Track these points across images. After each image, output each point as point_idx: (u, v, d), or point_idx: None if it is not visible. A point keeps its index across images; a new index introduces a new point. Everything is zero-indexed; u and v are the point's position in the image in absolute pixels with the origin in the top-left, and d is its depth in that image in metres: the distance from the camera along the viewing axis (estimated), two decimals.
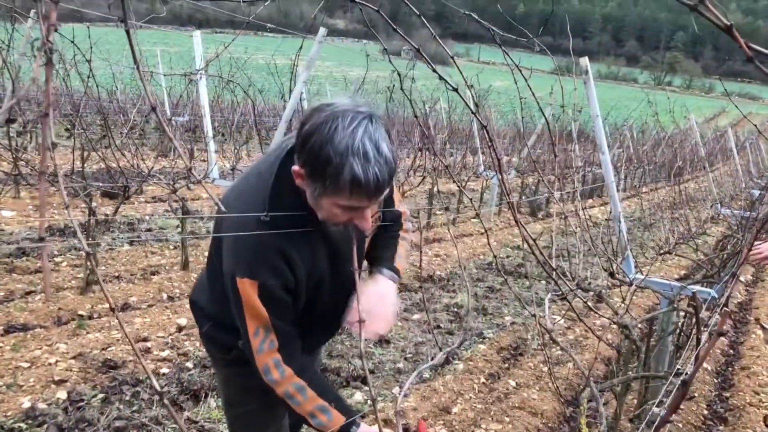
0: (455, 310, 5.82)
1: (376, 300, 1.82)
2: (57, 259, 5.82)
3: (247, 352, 1.70)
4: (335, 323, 1.98)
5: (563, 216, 3.48)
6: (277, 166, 1.64)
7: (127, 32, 0.74)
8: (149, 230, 7.40)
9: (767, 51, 0.81)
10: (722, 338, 5.65)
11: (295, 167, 1.52)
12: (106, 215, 6.55)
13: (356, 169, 1.41)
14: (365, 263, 2.02)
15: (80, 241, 0.63)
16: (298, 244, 1.65)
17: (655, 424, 1.40)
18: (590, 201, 14.28)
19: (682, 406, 4.19)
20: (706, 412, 4.36)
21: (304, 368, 1.73)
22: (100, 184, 6.26)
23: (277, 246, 1.61)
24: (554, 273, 2.41)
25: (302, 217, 1.63)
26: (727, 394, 4.69)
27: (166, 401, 0.81)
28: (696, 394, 4.50)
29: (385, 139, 1.47)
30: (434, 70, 1.90)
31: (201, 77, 5.66)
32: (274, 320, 1.65)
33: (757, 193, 8.15)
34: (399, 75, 1.96)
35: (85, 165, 6.29)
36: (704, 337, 2.29)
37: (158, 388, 0.77)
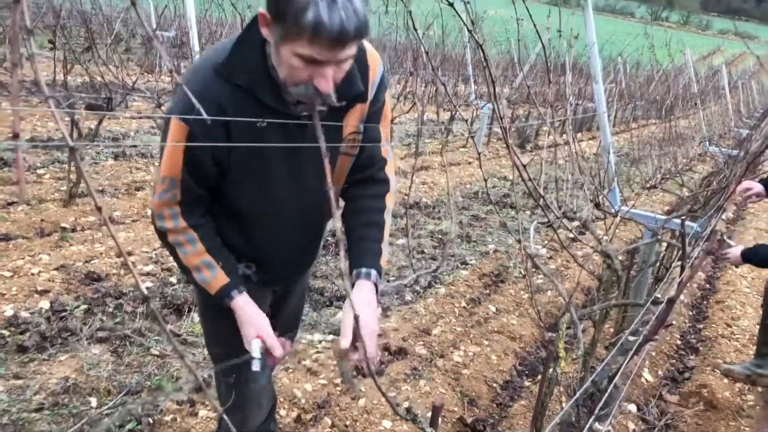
0: (439, 236, 5.85)
1: (370, 317, 1.62)
2: (39, 171, 5.74)
3: (154, 195, 1.66)
4: (299, 249, 1.90)
5: (553, 145, 3.46)
6: (248, 23, 1.54)
7: None
8: (134, 146, 7.30)
9: None
10: (700, 273, 5.75)
11: (261, 10, 1.41)
12: (90, 128, 6.44)
13: (320, 10, 1.30)
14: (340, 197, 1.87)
15: (66, 138, 0.60)
16: (245, 111, 1.52)
17: (637, 343, 1.42)
18: (579, 135, 14.23)
19: (656, 336, 4.30)
20: (679, 342, 4.48)
21: (202, 226, 1.68)
22: (84, 95, 6.12)
23: (217, 98, 1.50)
24: (541, 200, 2.41)
25: (262, 80, 1.51)
26: (701, 326, 4.81)
27: (152, 306, 0.80)
28: (673, 323, 4.61)
29: None
30: None
31: None
32: (185, 176, 1.58)
33: (745, 132, 8.15)
34: None
35: (68, 77, 6.13)
36: (688, 267, 2.32)
37: (144, 291, 0.76)
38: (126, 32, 12.82)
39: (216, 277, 1.67)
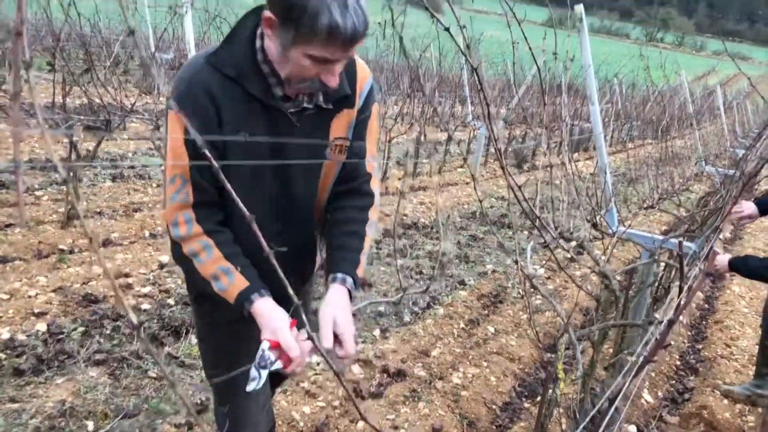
0: (437, 257, 5.85)
1: (346, 318, 1.64)
2: (38, 193, 5.75)
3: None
4: (288, 254, 1.83)
5: (549, 166, 3.47)
6: (240, 18, 1.59)
7: None
8: (132, 168, 7.31)
9: None
10: (699, 293, 5.75)
11: (266, 13, 1.45)
12: (88, 150, 6.46)
13: (334, 14, 1.37)
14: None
15: (58, 168, 0.60)
16: (235, 101, 1.56)
17: (638, 364, 1.41)
18: (576, 155, 14.29)
19: (657, 353, 4.28)
20: (678, 362, 4.46)
21: (218, 232, 1.64)
22: (82, 117, 6.14)
23: (207, 86, 1.54)
24: (537, 221, 2.41)
25: (251, 73, 1.55)
26: (700, 347, 4.80)
27: (142, 335, 0.80)
28: (672, 343, 4.60)
29: None
30: (426, 8, 1.85)
31: (187, 11, 5.52)
32: (194, 172, 1.57)
33: (741, 152, 8.19)
34: (391, 9, 1.90)
35: (67, 99, 6.16)
36: (686, 288, 2.32)
37: (135, 321, 0.76)
38: (124, 54, 12.90)
39: (234, 283, 1.60)
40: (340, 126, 1.73)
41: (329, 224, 1.84)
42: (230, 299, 1.60)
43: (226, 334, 1.84)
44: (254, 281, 1.61)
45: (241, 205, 0.79)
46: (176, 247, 1.64)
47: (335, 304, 1.64)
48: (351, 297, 1.71)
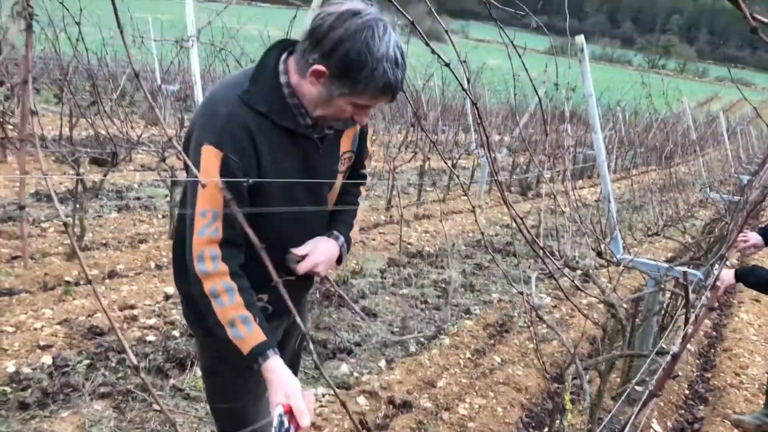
0: (443, 285, 5.84)
1: (325, 248, 1.84)
2: (44, 225, 5.78)
3: (187, 234, 1.63)
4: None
5: (552, 195, 3.48)
6: (261, 56, 1.68)
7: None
8: (138, 199, 7.36)
9: None
10: (706, 321, 5.70)
11: (318, 67, 1.55)
12: (94, 182, 6.50)
13: (389, 74, 1.53)
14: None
15: (59, 211, 0.62)
16: (268, 136, 1.64)
17: (644, 398, 1.40)
18: (580, 182, 14.31)
19: (664, 386, 4.25)
20: (687, 392, 4.42)
21: (240, 277, 1.65)
22: (89, 150, 6.19)
23: (244, 123, 1.60)
24: (541, 252, 2.41)
25: (280, 107, 1.65)
26: (709, 375, 4.75)
27: (142, 375, 0.80)
28: (680, 373, 4.56)
29: (402, 47, 1.60)
30: (428, 44, 1.88)
31: (192, 45, 5.58)
32: (225, 209, 1.59)
33: (746, 178, 8.19)
34: None
35: (74, 131, 6.23)
36: (692, 317, 2.31)
37: (133, 361, 0.76)
38: (131, 86, 13.04)
39: (252, 334, 1.59)
40: (347, 141, 1.89)
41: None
42: (244, 349, 1.59)
43: (233, 369, 1.83)
44: (270, 336, 1.63)
45: (252, 235, 0.80)
46: (197, 282, 1.62)
47: (323, 241, 1.85)
48: (341, 255, 1.91)
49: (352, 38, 1.50)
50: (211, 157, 1.56)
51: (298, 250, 1.78)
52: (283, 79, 1.64)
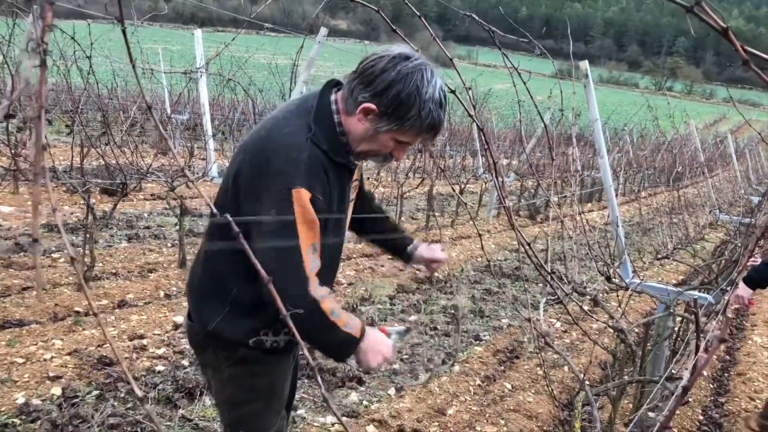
0: (452, 311, 5.81)
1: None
2: (54, 255, 5.81)
3: (288, 273, 1.70)
4: (335, 274, 2.19)
5: (560, 220, 3.48)
6: (318, 96, 1.81)
7: (123, 32, 0.74)
8: (147, 228, 7.40)
9: (761, 54, 0.81)
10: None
11: (369, 105, 1.70)
12: (105, 212, 6.55)
13: (434, 115, 1.71)
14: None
15: (66, 246, 0.63)
16: (331, 170, 1.79)
17: (654, 430, 1.39)
18: (589, 205, 14.28)
19: (677, 412, 4.19)
20: (701, 417, 4.36)
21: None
22: (99, 181, 6.25)
23: (323, 162, 1.75)
24: (549, 277, 2.41)
25: (337, 145, 1.79)
26: (723, 400, 4.69)
27: (147, 406, 0.80)
28: (691, 399, 4.50)
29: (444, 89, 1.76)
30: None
31: (201, 75, 5.66)
32: (319, 240, 1.74)
33: (756, 200, 8.16)
34: None
35: (85, 161, 6.29)
36: (702, 343, 2.29)
37: (139, 393, 0.77)
38: (141, 116, 13.19)
39: (357, 324, 1.81)
40: (359, 169, 2.08)
41: (367, 231, 2.33)
42: (358, 334, 1.80)
43: (265, 397, 2.00)
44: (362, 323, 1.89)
45: (261, 270, 0.81)
46: (315, 307, 1.71)
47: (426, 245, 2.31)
48: None
49: (404, 80, 1.66)
50: (304, 198, 1.68)
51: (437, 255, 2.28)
52: (336, 118, 1.79)
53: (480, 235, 2.07)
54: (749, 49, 0.79)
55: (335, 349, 1.84)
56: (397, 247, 2.35)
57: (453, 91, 2.00)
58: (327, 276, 1.94)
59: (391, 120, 1.71)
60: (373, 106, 1.70)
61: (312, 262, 1.70)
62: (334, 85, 1.84)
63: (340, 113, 1.79)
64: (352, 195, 2.05)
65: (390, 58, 1.69)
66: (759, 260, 3.51)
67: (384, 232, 2.34)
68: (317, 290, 1.71)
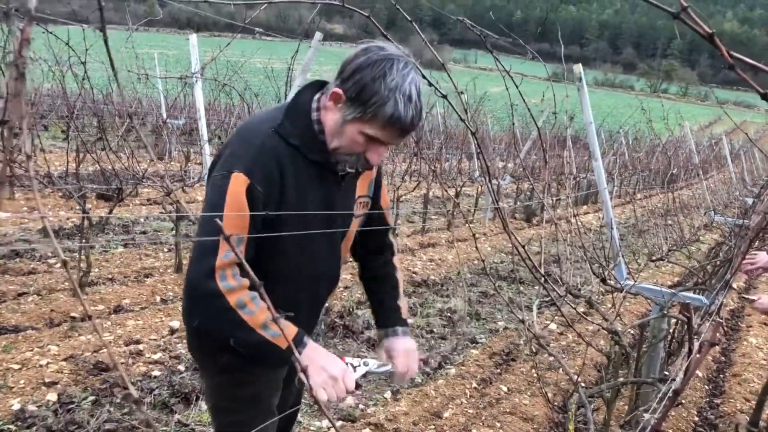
0: (448, 314, 5.82)
1: (412, 355, 2.04)
2: (51, 261, 5.81)
3: (199, 259, 1.64)
4: (312, 309, 2.04)
5: (554, 222, 3.49)
6: (297, 93, 1.79)
7: (105, 42, 0.75)
8: (144, 233, 7.40)
9: (747, 59, 0.82)
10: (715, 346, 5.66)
11: (336, 89, 1.64)
12: (101, 217, 6.55)
13: (399, 106, 1.59)
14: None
15: (58, 251, 0.64)
16: (297, 168, 1.72)
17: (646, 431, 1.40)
18: (585, 207, 14.31)
19: (672, 413, 4.20)
20: (696, 418, 4.37)
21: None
22: (95, 186, 6.25)
23: (276, 154, 1.68)
24: (543, 279, 2.42)
25: (312, 142, 1.73)
26: (718, 401, 4.71)
27: (144, 410, 0.81)
28: (686, 401, 4.51)
29: (422, 90, 1.67)
30: (423, 77, 1.92)
31: (197, 80, 5.67)
32: (250, 232, 1.65)
33: (750, 201, 8.18)
34: None
35: (81, 167, 6.29)
36: (696, 345, 2.30)
37: (135, 395, 0.77)
38: (137, 121, 13.22)
39: (287, 329, 1.65)
40: (364, 185, 1.97)
41: (366, 279, 2.20)
42: (283, 344, 1.64)
43: (251, 407, 1.93)
44: (299, 330, 1.71)
45: (249, 270, 0.81)
46: (219, 299, 1.61)
47: (406, 343, 2.05)
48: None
49: (372, 66, 1.60)
50: (239, 184, 1.63)
51: (400, 365, 2.00)
52: (315, 116, 1.74)
53: (475, 237, 2.09)
54: (734, 54, 0.81)
55: (255, 352, 1.69)
56: (380, 318, 2.14)
57: (445, 96, 2.01)
58: (290, 285, 1.84)
59: (355, 106, 1.63)
60: (341, 91, 1.64)
61: (228, 252, 1.59)
62: (321, 85, 1.79)
63: (321, 111, 1.73)
64: (357, 210, 1.95)
65: (366, 47, 1.65)
66: (757, 258, 3.50)
67: (377, 293, 2.16)
68: (227, 281, 1.60)
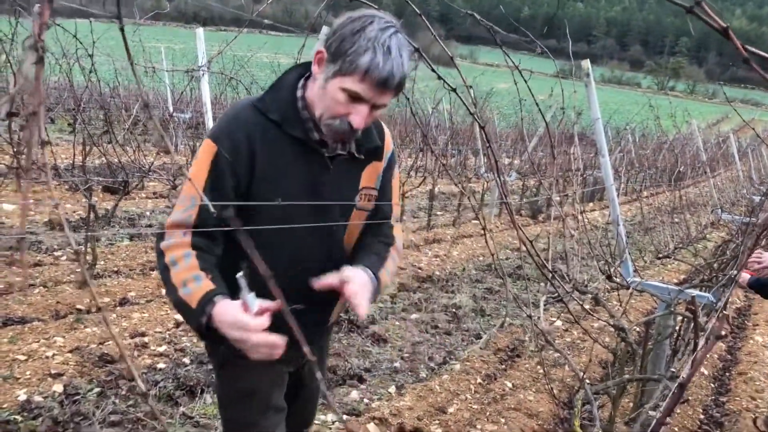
0: (453, 310, 5.82)
1: (362, 282, 1.69)
2: (56, 253, 5.83)
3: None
4: (307, 285, 1.69)
5: (561, 219, 3.49)
6: (282, 73, 1.79)
7: (122, 31, 0.75)
8: (149, 226, 7.41)
9: (762, 53, 0.81)
10: (720, 343, 5.64)
11: (319, 48, 1.64)
12: (107, 210, 6.56)
13: (377, 57, 1.54)
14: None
15: (69, 239, 0.64)
16: (275, 142, 1.70)
17: (650, 427, 1.40)
18: (591, 204, 14.27)
19: (678, 410, 4.19)
20: (702, 416, 4.36)
21: (204, 252, 1.63)
22: (101, 179, 6.26)
23: (248, 125, 1.69)
24: (550, 275, 2.41)
25: (293, 118, 1.71)
26: (724, 399, 4.69)
27: (150, 402, 0.81)
28: (692, 398, 4.50)
29: (407, 52, 1.62)
30: (433, 70, 1.91)
31: (203, 74, 5.66)
32: (207, 195, 1.63)
33: (757, 199, 8.14)
34: None
35: (87, 160, 6.30)
36: (701, 341, 2.29)
37: (143, 387, 0.77)
38: (143, 115, 13.22)
39: (201, 287, 1.54)
40: (369, 176, 1.87)
41: (356, 248, 1.92)
42: (192, 303, 1.52)
43: (253, 403, 1.89)
44: (221, 287, 1.56)
45: (258, 260, 0.80)
46: (160, 260, 1.62)
47: (359, 273, 1.70)
48: (373, 283, 1.73)
49: (353, 21, 1.59)
50: (206, 150, 1.66)
51: (325, 280, 1.67)
52: (299, 93, 1.73)
53: (485, 229, 2.07)
54: (750, 48, 0.80)
55: (179, 312, 1.60)
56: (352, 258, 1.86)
57: (454, 89, 2.00)
58: (278, 259, 1.56)
59: (335, 60, 1.59)
60: (323, 49, 1.64)
61: (180, 213, 1.62)
62: (308, 68, 1.75)
63: (307, 90, 1.73)
64: (360, 201, 1.85)
65: (351, 15, 1.63)
66: (764, 257, 3.49)
67: (359, 250, 1.90)
68: (170, 239, 1.61)
